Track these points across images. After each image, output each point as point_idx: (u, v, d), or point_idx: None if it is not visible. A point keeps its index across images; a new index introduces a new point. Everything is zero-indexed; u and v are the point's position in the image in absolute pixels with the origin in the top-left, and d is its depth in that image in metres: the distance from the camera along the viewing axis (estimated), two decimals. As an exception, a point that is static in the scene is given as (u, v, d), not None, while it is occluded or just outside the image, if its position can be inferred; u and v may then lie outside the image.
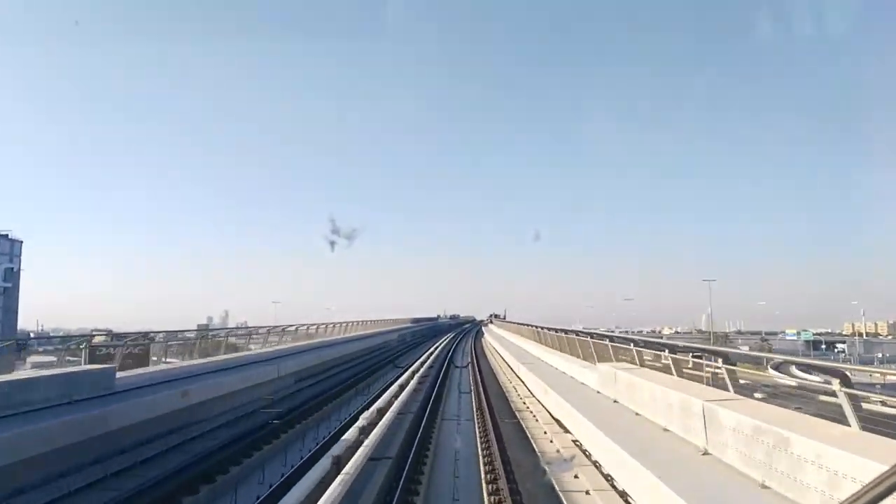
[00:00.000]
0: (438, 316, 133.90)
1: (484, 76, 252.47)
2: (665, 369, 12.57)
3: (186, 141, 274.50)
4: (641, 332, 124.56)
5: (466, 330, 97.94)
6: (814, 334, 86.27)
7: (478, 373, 28.77)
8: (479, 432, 15.00)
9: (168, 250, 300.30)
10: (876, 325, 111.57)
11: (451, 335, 72.34)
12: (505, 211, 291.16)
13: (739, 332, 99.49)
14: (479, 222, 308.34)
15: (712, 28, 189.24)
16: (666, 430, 9.97)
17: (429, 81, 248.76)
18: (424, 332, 78.56)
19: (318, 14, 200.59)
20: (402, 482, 10.40)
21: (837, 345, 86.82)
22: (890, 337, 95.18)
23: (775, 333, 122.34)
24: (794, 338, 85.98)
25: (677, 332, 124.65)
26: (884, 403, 7.64)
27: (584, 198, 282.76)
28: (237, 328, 43.26)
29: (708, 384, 10.51)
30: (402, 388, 19.15)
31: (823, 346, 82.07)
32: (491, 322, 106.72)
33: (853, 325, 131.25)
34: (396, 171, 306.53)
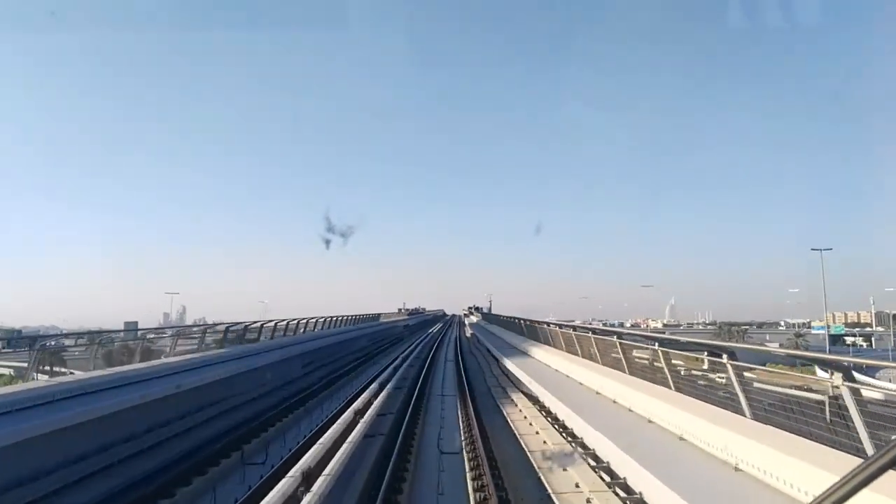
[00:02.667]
0: (400, 310, 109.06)
1: (463, 66, 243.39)
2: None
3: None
4: (623, 324, 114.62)
5: (430, 345, 45.88)
6: (844, 327, 78.32)
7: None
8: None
9: (134, 247, 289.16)
10: (859, 315, 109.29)
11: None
12: (477, 205, 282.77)
13: (755, 325, 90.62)
14: (450, 217, 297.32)
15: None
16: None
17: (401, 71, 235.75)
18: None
19: (298, 7, 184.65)
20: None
21: (848, 338, 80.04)
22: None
23: (770, 325, 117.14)
24: (822, 331, 77.58)
25: (666, 325, 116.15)
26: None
27: (567, 188, 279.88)
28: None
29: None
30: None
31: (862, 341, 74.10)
32: (472, 315, 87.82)
33: (833, 316, 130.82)
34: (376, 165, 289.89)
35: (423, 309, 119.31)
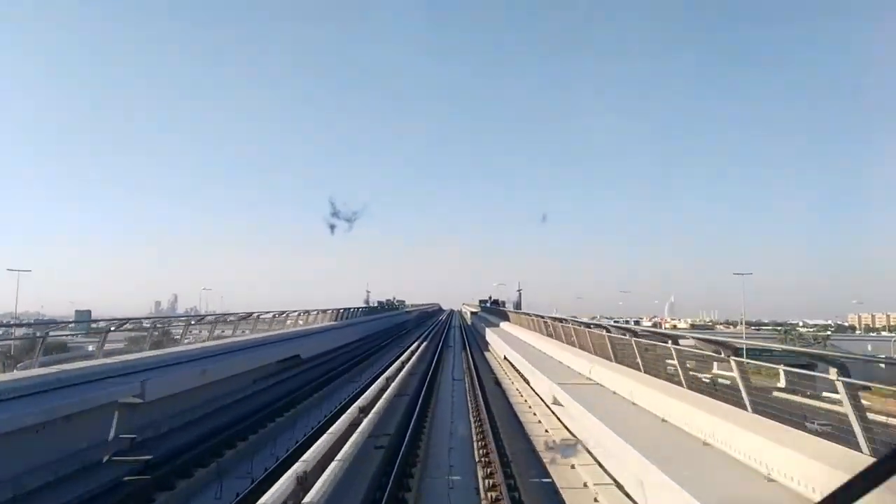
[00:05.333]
0: (373, 302, 78.04)
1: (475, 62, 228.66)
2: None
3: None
4: (639, 322, 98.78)
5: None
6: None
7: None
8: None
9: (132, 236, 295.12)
10: (888, 316, 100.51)
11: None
12: (483, 198, 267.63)
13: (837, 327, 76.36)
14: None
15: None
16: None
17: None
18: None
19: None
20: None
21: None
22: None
23: (794, 325, 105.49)
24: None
25: (694, 326, 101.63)
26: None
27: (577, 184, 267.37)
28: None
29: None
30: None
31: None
32: (495, 314, 64.95)
33: (860, 317, 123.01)
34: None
35: (401, 302, 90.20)
